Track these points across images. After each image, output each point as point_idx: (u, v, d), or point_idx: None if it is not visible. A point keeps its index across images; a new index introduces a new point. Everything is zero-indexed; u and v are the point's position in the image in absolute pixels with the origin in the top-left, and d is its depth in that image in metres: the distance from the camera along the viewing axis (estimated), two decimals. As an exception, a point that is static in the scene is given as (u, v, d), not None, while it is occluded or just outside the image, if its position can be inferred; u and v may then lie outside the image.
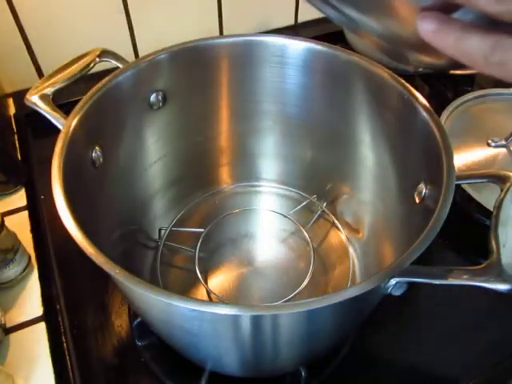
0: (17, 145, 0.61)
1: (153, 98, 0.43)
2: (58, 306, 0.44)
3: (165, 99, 0.44)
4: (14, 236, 0.45)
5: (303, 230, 0.50)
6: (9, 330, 0.43)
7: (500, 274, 0.27)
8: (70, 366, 0.40)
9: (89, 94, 0.37)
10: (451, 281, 0.28)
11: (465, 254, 0.49)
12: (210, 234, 0.50)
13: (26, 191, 0.56)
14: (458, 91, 0.67)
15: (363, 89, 0.42)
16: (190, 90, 0.46)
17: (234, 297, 0.45)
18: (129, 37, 0.70)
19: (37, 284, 0.47)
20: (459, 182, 0.33)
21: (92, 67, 0.41)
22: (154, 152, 0.47)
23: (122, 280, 0.26)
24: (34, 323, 0.44)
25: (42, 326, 0.43)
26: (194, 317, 0.28)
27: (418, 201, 0.36)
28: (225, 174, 0.55)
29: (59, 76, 0.39)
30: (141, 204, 0.47)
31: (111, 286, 0.46)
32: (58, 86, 0.39)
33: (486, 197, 0.49)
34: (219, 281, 0.46)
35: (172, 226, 0.50)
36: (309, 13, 0.83)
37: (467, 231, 0.50)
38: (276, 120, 0.50)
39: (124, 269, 0.26)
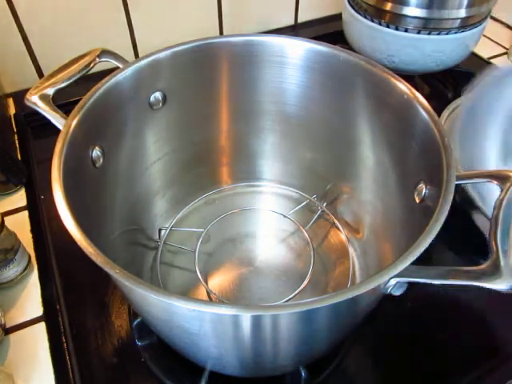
0: (17, 145, 0.61)
1: (153, 98, 0.44)
2: (58, 306, 0.44)
3: (165, 99, 0.44)
4: (14, 236, 0.45)
5: (303, 230, 0.50)
6: (9, 330, 0.43)
7: (500, 274, 0.27)
8: (70, 366, 0.40)
9: (89, 93, 0.37)
10: (451, 281, 0.28)
11: (465, 254, 0.49)
12: (209, 234, 0.50)
13: (26, 191, 0.56)
14: (458, 91, 0.67)
15: (363, 89, 0.42)
16: (189, 89, 0.46)
17: (234, 297, 0.45)
18: (129, 37, 0.71)
19: (37, 284, 0.47)
20: (459, 182, 0.33)
21: (92, 67, 0.41)
22: (154, 152, 0.47)
23: (122, 280, 0.26)
24: (34, 323, 0.44)
25: (42, 326, 0.43)
26: (194, 317, 0.28)
27: (418, 201, 0.36)
28: (225, 174, 0.55)
29: (59, 76, 0.39)
30: (141, 204, 0.47)
31: (111, 286, 0.46)
32: (58, 86, 0.39)
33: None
34: (219, 281, 0.46)
35: (172, 226, 0.50)
36: (309, 13, 0.84)
37: (467, 231, 0.50)
38: (276, 120, 0.50)
39: (124, 269, 0.26)
